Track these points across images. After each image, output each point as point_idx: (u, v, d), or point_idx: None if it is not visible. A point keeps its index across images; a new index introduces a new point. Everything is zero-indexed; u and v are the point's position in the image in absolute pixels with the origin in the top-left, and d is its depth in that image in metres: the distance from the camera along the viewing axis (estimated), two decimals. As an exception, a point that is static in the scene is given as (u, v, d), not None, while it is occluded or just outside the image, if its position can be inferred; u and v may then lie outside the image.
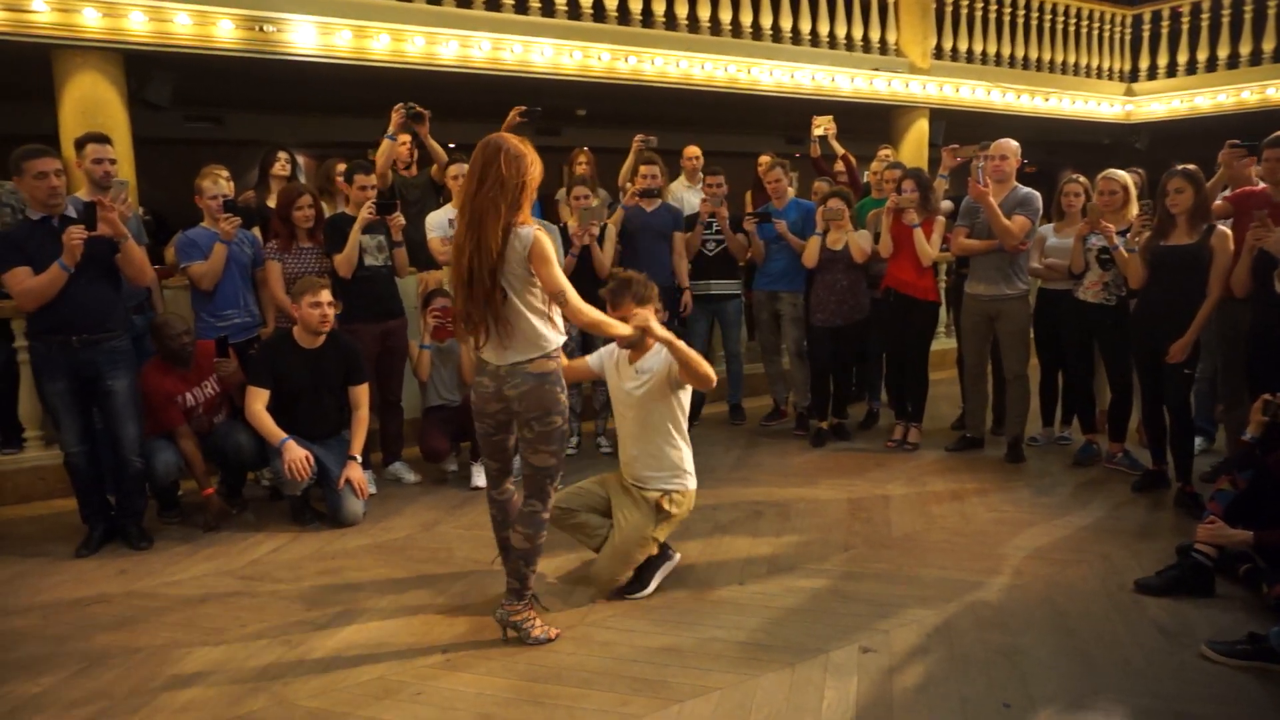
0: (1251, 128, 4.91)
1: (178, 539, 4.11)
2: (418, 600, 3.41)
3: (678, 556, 3.59)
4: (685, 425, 3.50)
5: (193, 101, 8.13)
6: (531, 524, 3.03)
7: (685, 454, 3.49)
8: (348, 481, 4.19)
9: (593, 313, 2.99)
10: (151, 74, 6.01)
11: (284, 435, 4.10)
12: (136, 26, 5.57)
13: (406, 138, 5.47)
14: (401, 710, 2.65)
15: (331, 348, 4.32)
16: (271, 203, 5.03)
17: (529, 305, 2.88)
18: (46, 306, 3.75)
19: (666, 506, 3.39)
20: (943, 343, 7.06)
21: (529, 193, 2.85)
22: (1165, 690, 2.70)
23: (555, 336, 2.96)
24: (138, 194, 5.66)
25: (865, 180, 6.50)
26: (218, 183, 4.57)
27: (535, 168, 2.85)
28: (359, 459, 4.29)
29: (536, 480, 3.03)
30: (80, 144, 4.22)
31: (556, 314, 2.96)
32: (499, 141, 2.84)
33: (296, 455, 4.05)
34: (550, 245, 2.87)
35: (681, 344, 3.17)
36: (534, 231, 2.83)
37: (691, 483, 3.50)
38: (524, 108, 5.34)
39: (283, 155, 5.41)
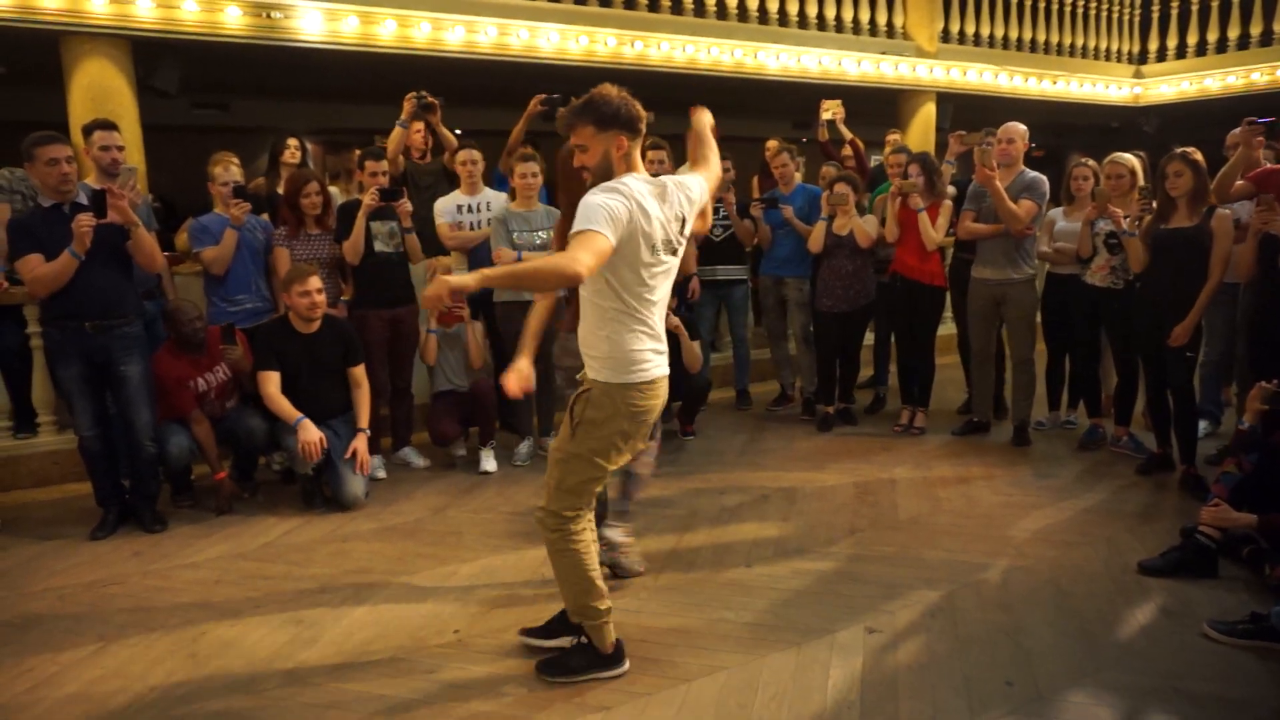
0: (1262, 109, 4.87)
1: (191, 522, 4.16)
2: (428, 582, 3.45)
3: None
4: (637, 312, 2.54)
5: (200, 88, 8.13)
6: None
7: (622, 341, 2.53)
8: (348, 458, 4.23)
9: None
10: (159, 61, 6.03)
11: (300, 415, 4.16)
12: (144, 13, 5.58)
13: (420, 125, 5.46)
14: (414, 688, 2.69)
15: (328, 331, 4.36)
16: (281, 189, 5.05)
17: None
18: (59, 293, 3.79)
19: (578, 410, 2.60)
20: (948, 327, 7.05)
21: None
22: (1167, 669, 2.73)
23: None
24: (146, 181, 5.69)
25: (872, 165, 6.48)
26: (229, 169, 4.61)
27: None
28: (368, 431, 4.35)
29: None
30: (88, 131, 4.24)
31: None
32: None
33: (311, 437, 4.10)
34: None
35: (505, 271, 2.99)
36: None
37: (614, 375, 2.54)
38: (544, 96, 5.07)
39: (293, 142, 5.44)
